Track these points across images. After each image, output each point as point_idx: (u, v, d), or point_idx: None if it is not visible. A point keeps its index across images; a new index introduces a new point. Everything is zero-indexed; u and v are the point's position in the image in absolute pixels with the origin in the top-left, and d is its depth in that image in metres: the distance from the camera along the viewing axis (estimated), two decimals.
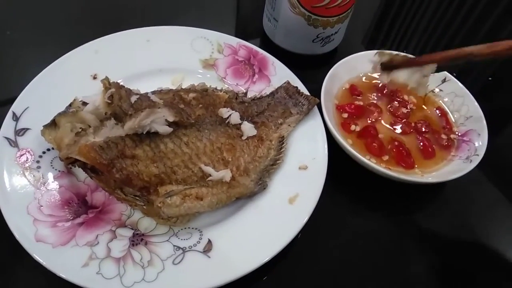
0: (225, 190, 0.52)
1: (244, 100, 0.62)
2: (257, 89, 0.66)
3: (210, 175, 0.52)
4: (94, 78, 0.63)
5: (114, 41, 0.67)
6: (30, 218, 0.48)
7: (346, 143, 0.59)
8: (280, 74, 0.67)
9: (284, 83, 0.65)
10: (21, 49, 0.72)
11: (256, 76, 0.68)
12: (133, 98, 0.50)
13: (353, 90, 0.69)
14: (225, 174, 0.52)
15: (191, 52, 0.69)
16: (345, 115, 0.66)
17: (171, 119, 0.52)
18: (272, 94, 0.64)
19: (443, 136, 0.65)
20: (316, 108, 0.63)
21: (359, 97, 0.68)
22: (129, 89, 0.52)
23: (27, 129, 0.56)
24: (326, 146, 0.58)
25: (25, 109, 0.57)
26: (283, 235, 0.50)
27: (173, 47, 0.68)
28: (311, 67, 0.75)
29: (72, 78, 0.61)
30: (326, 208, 0.55)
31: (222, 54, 0.69)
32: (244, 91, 0.65)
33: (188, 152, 0.52)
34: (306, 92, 0.64)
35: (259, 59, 0.69)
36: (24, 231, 0.47)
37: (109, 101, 0.49)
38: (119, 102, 0.49)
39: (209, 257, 0.49)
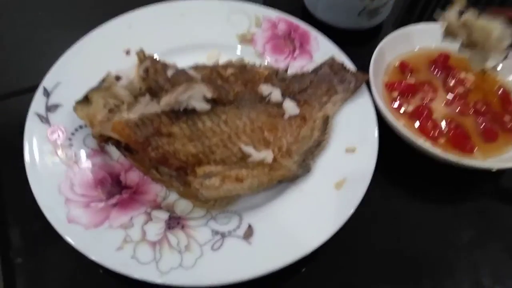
0: (267, 172, 0.48)
1: (285, 77, 0.57)
2: (298, 65, 0.62)
3: (250, 156, 0.48)
4: (127, 53, 0.59)
5: (147, 15, 0.63)
6: (62, 197, 0.46)
7: (398, 124, 0.54)
8: (324, 49, 0.62)
9: (329, 58, 0.60)
10: (52, 28, 0.70)
11: (297, 51, 0.63)
12: (170, 72, 0.46)
13: (404, 67, 0.63)
14: (267, 155, 0.48)
15: (227, 27, 0.64)
16: (395, 94, 0.60)
17: (209, 95, 0.48)
18: (315, 70, 0.59)
19: (506, 118, 0.58)
20: (364, 86, 0.58)
21: (411, 75, 0.62)
22: (165, 62, 0.48)
23: (59, 105, 0.53)
24: (376, 127, 0.53)
25: (57, 85, 0.54)
26: (330, 223, 0.46)
27: (208, 21, 0.64)
28: (355, 43, 0.69)
29: (104, 53, 0.58)
30: (376, 195, 0.50)
31: (261, 29, 0.64)
32: (284, 67, 0.60)
33: (227, 131, 0.48)
34: (353, 68, 0.59)
35: (300, 33, 0.64)
36: (55, 212, 0.45)
37: (144, 75, 0.46)
38: (155, 76, 0.46)
39: (250, 243, 0.45)
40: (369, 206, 0.49)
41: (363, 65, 0.59)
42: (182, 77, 0.47)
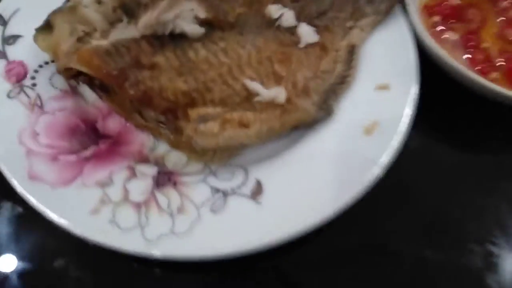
0: (278, 116, 0.38)
1: None
2: None
3: (257, 95, 0.37)
4: None
5: None
6: (22, 148, 0.37)
7: (443, 54, 0.43)
8: None
9: None
10: None
11: None
12: None
13: None
14: (278, 93, 0.38)
15: None
16: (436, 19, 0.48)
17: (202, 15, 0.37)
18: None
19: None
20: (397, 8, 0.46)
21: None
22: None
23: (19, 36, 0.43)
24: (415, 58, 0.42)
25: (16, 11, 0.44)
26: (359, 177, 0.37)
27: None
28: None
29: None
30: (415, 141, 0.40)
31: None
32: None
33: (227, 63, 0.38)
34: None
35: None
36: (14, 165, 0.36)
37: None
38: None
39: (259, 203, 0.36)
40: (407, 156, 0.39)
41: None
42: None
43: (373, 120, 0.40)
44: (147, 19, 0.35)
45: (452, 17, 0.48)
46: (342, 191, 0.36)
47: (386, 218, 0.41)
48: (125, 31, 0.36)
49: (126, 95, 0.36)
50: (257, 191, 0.37)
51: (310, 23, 0.44)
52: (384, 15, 0.45)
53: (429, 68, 0.43)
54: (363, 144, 0.39)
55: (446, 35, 0.47)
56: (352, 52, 0.43)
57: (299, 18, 0.43)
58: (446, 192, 0.42)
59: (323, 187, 0.37)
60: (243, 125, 0.37)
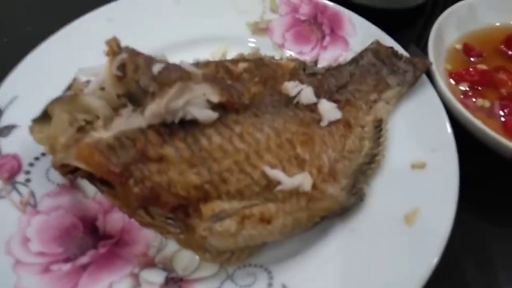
0: (304, 206, 0.33)
1: (316, 71, 0.43)
2: (330, 56, 0.47)
3: (279, 183, 0.33)
4: (108, 55, 0.46)
5: (131, 5, 0.50)
6: (9, 259, 0.32)
7: (481, 125, 0.38)
8: (362, 33, 0.47)
9: (372, 44, 0.45)
10: (8, 27, 0.56)
11: (328, 38, 0.48)
12: (156, 68, 0.32)
13: (469, 51, 0.48)
14: (303, 180, 0.33)
15: (234, 14, 0.50)
16: (465, 86, 0.45)
17: (215, 99, 0.33)
18: (356, 60, 0.44)
19: None
20: (423, 78, 0.43)
21: (479, 59, 0.47)
22: (149, 56, 0.34)
23: (14, 126, 0.39)
24: (450, 130, 0.38)
25: (13, 100, 0.41)
26: (405, 277, 0.31)
27: (209, 9, 0.50)
28: (397, 26, 0.54)
29: (78, 56, 0.44)
30: (464, 229, 0.35)
31: (278, 14, 0.50)
32: (312, 60, 0.46)
33: (243, 149, 0.33)
34: (406, 54, 0.44)
35: (330, 15, 0.49)
36: None
37: (120, 74, 0.32)
38: (135, 74, 0.32)
39: None
40: (459, 245, 0.33)
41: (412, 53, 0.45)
42: (174, 73, 0.32)
43: (413, 206, 0.35)
44: (154, 107, 0.31)
45: (482, 82, 0.45)
46: None
47: None
48: (129, 121, 0.33)
49: (130, 192, 0.31)
50: None
51: (330, 98, 0.40)
52: (410, 86, 0.42)
53: (462, 139, 0.39)
54: (404, 236, 0.33)
55: (479, 103, 0.44)
56: (379, 127, 0.39)
57: (318, 93, 0.40)
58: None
59: None
60: (265, 220, 0.32)
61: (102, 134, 0.32)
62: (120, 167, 0.30)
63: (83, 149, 0.31)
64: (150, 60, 0.33)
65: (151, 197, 0.31)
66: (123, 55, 0.32)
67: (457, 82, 0.45)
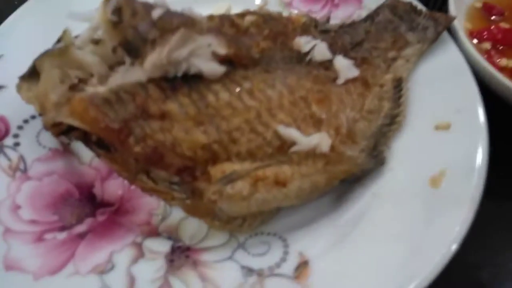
0: (322, 169, 0.30)
1: (328, 28, 0.39)
2: (342, 15, 0.44)
3: (294, 143, 0.30)
4: None
5: None
6: None
7: (508, 83, 0.36)
8: None
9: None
10: None
11: None
12: (157, 13, 0.29)
13: (490, 9, 0.45)
14: (321, 140, 0.30)
15: None
16: (487, 45, 0.42)
17: (222, 51, 0.30)
18: (371, 17, 0.41)
19: None
20: (444, 35, 0.40)
21: (500, 18, 0.44)
22: (146, 1, 0.30)
23: (1, 86, 0.36)
24: (477, 88, 0.35)
25: None
26: (434, 245, 0.28)
27: None
28: None
29: (66, 12, 0.41)
30: (493, 192, 0.32)
31: None
32: (324, 19, 0.43)
33: (254, 106, 0.30)
34: (425, 10, 0.41)
35: None
36: None
37: (115, 19, 0.28)
38: (133, 20, 0.28)
39: (306, 287, 0.27)
40: (489, 212, 0.31)
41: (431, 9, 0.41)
42: (176, 19, 0.29)
43: (438, 168, 0.32)
44: (155, 57, 0.28)
45: (505, 42, 0.42)
46: (410, 273, 0.27)
47: None
48: (127, 75, 0.29)
49: (131, 153, 0.28)
50: (303, 270, 0.28)
51: (345, 56, 0.37)
52: (430, 43, 0.39)
53: (487, 99, 0.36)
54: (431, 201, 0.30)
55: (502, 62, 0.41)
56: (399, 86, 0.36)
57: (332, 51, 0.37)
58: None
59: (386, 267, 0.28)
60: (280, 183, 0.29)
61: (98, 89, 0.29)
62: (118, 123, 0.27)
63: (77, 104, 0.27)
64: (148, 5, 0.30)
65: (154, 157, 0.28)
66: None
67: (479, 41, 0.42)
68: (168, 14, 0.29)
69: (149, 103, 0.28)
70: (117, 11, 0.28)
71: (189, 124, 0.29)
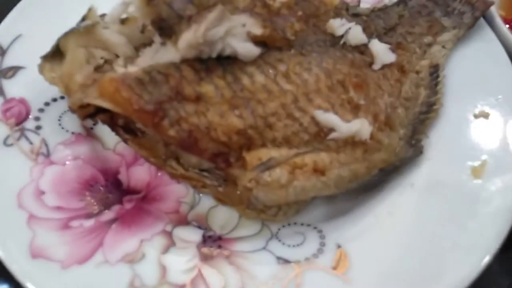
0: (360, 157, 0.29)
1: (360, 12, 0.38)
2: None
3: (333, 130, 0.28)
4: None
5: None
6: (23, 214, 0.27)
7: None
8: None
9: None
10: None
11: None
12: None
13: None
14: (361, 126, 0.29)
15: None
16: None
17: (258, 31, 0.29)
18: (403, 1, 0.39)
19: None
20: (480, 21, 0.38)
21: None
22: None
23: (19, 67, 0.34)
24: None
25: (16, 38, 0.36)
26: (477, 237, 0.27)
27: None
28: None
29: None
30: None
31: None
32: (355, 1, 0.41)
33: (290, 90, 0.29)
34: None
35: None
36: (11, 240, 0.26)
37: None
38: None
39: (345, 280, 0.26)
40: None
41: None
42: None
43: (479, 158, 0.31)
44: (191, 36, 0.26)
45: None
46: (458, 261, 0.26)
47: None
48: (159, 55, 0.28)
49: (164, 137, 0.26)
50: (341, 262, 0.27)
51: (380, 40, 0.36)
52: (467, 29, 0.37)
53: None
54: (475, 192, 0.29)
55: None
56: (436, 73, 0.35)
57: (366, 34, 0.35)
58: None
59: (426, 258, 0.27)
60: (318, 171, 0.28)
61: (128, 69, 0.28)
62: (152, 105, 0.25)
63: (108, 85, 0.26)
64: None
65: (188, 141, 0.26)
66: None
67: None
68: None
69: (183, 85, 0.27)
70: None
71: (224, 107, 0.27)
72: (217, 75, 0.28)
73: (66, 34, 0.30)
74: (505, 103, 0.33)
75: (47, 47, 0.32)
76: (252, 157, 0.27)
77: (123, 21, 0.30)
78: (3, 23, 0.36)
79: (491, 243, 0.27)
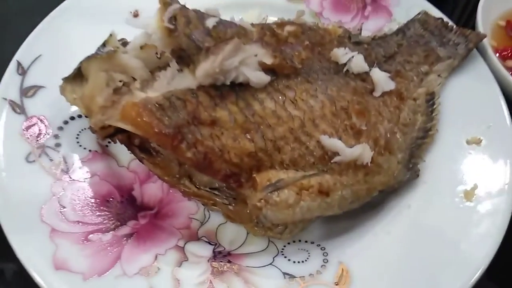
0: (362, 179, 0.31)
1: (361, 40, 0.40)
2: (372, 27, 0.45)
3: (335, 154, 0.31)
4: (135, 15, 0.42)
5: None
6: (45, 227, 0.29)
7: None
8: (407, 3, 0.45)
9: (419, 14, 0.43)
10: None
11: (369, 8, 0.46)
12: (210, 22, 0.29)
13: None
14: (363, 151, 0.31)
15: None
16: (511, 63, 0.43)
17: (268, 60, 0.31)
18: (402, 31, 0.42)
19: None
20: (473, 52, 0.41)
21: None
22: (199, 10, 0.31)
23: (40, 87, 0.36)
24: (505, 106, 0.36)
25: (36, 58, 0.37)
26: (470, 255, 0.29)
27: None
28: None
29: (104, 15, 0.41)
30: None
31: None
32: (357, 28, 0.43)
33: (298, 116, 0.31)
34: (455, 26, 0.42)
35: None
36: (35, 251, 0.28)
37: (171, 26, 0.28)
38: (187, 28, 0.29)
39: None
40: None
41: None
42: (230, 29, 0.30)
43: (471, 182, 0.33)
44: (208, 65, 0.28)
45: None
46: (448, 284, 0.28)
47: None
48: (176, 81, 0.30)
49: (182, 159, 0.28)
50: (344, 278, 0.29)
51: (379, 68, 0.38)
52: (461, 59, 0.40)
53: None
54: (467, 214, 0.31)
55: None
56: (432, 100, 0.37)
57: (367, 63, 0.38)
58: None
59: (424, 275, 0.29)
60: (323, 192, 0.30)
61: (148, 93, 0.30)
62: (172, 129, 0.27)
63: (130, 109, 0.28)
64: (201, 14, 0.30)
65: (204, 163, 0.28)
66: (176, 6, 0.29)
67: (504, 59, 0.44)
68: (222, 23, 0.30)
69: (200, 110, 0.29)
70: (173, 18, 0.29)
71: (237, 131, 0.29)
72: (231, 101, 0.30)
73: (89, 59, 0.32)
74: (496, 130, 0.36)
75: (66, 67, 0.34)
76: (262, 178, 0.29)
77: (141, 47, 0.32)
78: (23, 44, 0.38)
79: (481, 262, 0.29)
